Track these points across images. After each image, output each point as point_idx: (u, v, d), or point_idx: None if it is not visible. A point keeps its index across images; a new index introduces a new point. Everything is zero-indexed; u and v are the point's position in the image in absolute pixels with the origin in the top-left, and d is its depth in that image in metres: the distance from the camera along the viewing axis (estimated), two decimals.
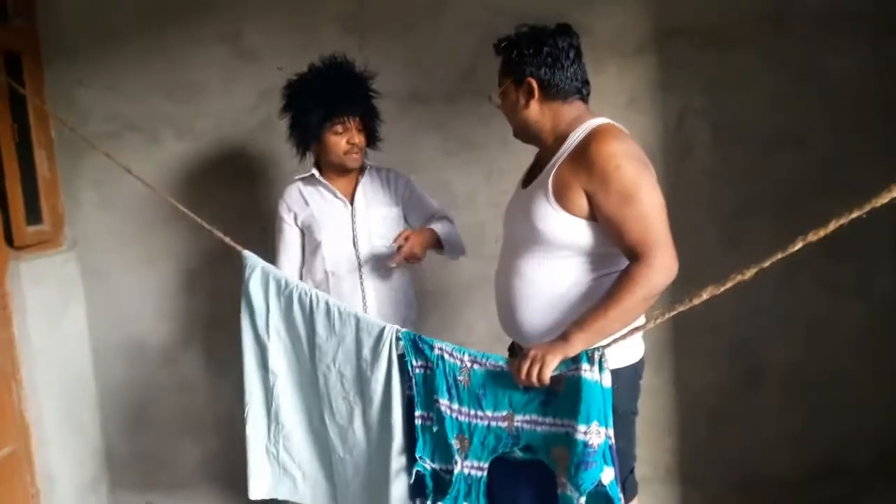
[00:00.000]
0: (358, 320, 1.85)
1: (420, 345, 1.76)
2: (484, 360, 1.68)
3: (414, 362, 1.77)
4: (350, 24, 2.69)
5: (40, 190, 2.89)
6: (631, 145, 1.63)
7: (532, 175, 1.78)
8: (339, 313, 1.88)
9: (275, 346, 2.00)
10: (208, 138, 2.88)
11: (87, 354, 3.09)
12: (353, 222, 2.27)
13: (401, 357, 1.79)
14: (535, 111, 1.71)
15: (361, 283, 2.26)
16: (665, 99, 2.54)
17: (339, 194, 2.28)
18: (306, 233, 2.32)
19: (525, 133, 1.78)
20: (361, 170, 2.32)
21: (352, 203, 2.28)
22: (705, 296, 1.48)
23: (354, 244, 2.26)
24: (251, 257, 2.04)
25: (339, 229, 2.26)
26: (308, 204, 2.30)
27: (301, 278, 2.33)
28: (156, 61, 2.87)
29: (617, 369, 1.61)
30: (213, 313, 2.98)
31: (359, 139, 2.22)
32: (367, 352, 1.83)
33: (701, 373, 2.68)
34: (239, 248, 2.06)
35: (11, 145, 2.71)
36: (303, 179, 2.33)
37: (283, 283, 1.98)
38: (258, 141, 2.84)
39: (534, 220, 1.66)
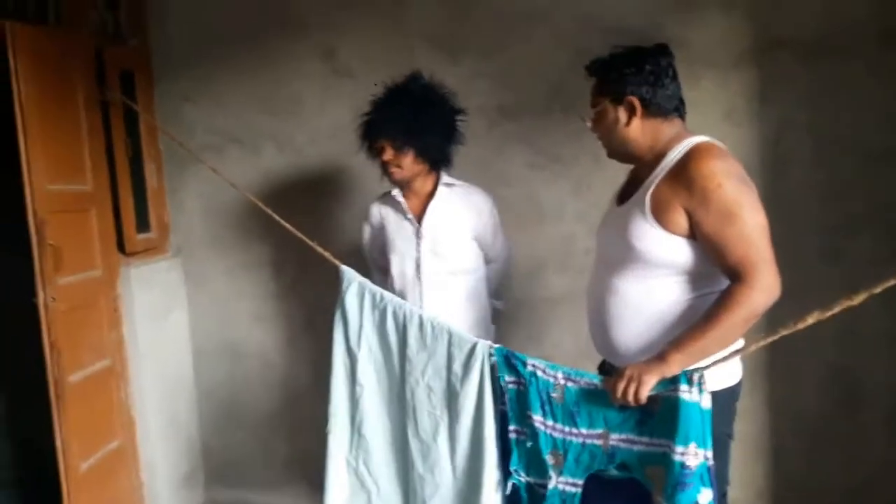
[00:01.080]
0: (451, 335, 1.86)
1: (513, 361, 1.75)
2: (578, 378, 1.66)
3: (507, 378, 1.76)
4: (442, 42, 2.72)
5: (149, 200, 3.05)
6: (732, 163, 1.59)
7: (627, 193, 1.75)
8: (432, 327, 1.89)
9: (364, 359, 2.03)
10: (307, 152, 2.97)
11: (188, 356, 3.23)
12: (417, 245, 2.25)
13: (492, 372, 1.79)
14: (636, 129, 1.69)
15: (421, 307, 2.19)
16: (764, 112, 2.45)
17: (409, 214, 2.27)
18: (384, 250, 2.34)
19: (623, 152, 1.75)
20: (435, 188, 2.29)
21: (419, 223, 2.26)
22: (810, 320, 1.42)
23: (418, 266, 2.24)
24: (348, 272, 2.08)
25: (406, 251, 2.26)
26: (384, 222, 2.33)
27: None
28: (256, 78, 2.99)
29: (714, 392, 1.56)
30: (306, 319, 3.07)
31: (390, 156, 2.20)
32: (457, 366, 1.84)
33: (797, 395, 2.56)
34: (337, 262, 2.10)
35: (125, 159, 2.88)
36: (384, 197, 2.36)
37: (378, 296, 2.01)
38: (355, 155, 2.88)
39: (630, 238, 1.64)
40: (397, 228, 2.29)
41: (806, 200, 2.45)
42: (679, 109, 1.71)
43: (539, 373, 1.71)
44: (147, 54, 3.08)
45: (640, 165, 1.74)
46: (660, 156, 1.67)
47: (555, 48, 2.59)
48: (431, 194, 2.28)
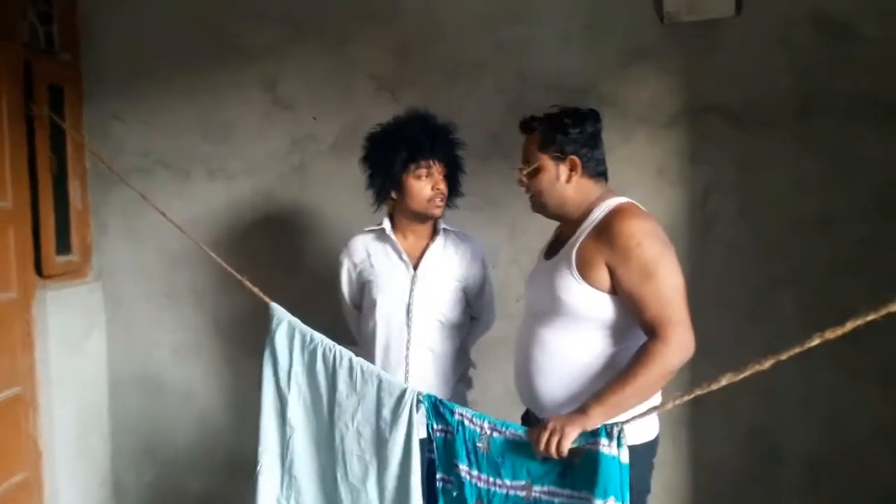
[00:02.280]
0: (380, 380, 1.93)
1: (441, 409, 1.83)
2: (503, 429, 1.75)
3: (434, 426, 1.85)
4: (385, 81, 2.82)
5: (72, 221, 3.02)
6: (653, 224, 1.74)
7: (554, 248, 1.89)
8: (362, 371, 1.96)
9: (294, 399, 2.07)
10: (240, 180, 3.01)
11: (104, 385, 3.19)
12: (411, 290, 2.18)
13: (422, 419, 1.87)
14: (573, 187, 1.82)
15: (407, 358, 2.17)
16: (693, 171, 2.62)
17: (405, 256, 2.20)
18: (365, 288, 2.25)
19: (555, 209, 1.87)
20: (434, 232, 2.25)
21: (415, 269, 2.20)
22: (724, 381, 1.54)
23: (408, 313, 2.18)
24: (278, 310, 2.12)
25: (396, 294, 2.18)
26: (371, 260, 2.24)
27: (356, 332, 2.36)
28: (192, 100, 3.02)
29: (633, 446, 1.67)
30: (229, 354, 3.09)
31: (441, 184, 2.15)
32: (387, 412, 1.90)
33: (716, 450, 2.70)
34: (267, 299, 2.14)
35: (48, 177, 2.86)
36: (372, 232, 2.27)
37: (308, 337, 2.06)
38: (289, 187, 2.96)
39: (557, 291, 1.76)
40: (388, 269, 2.21)
41: (732, 259, 2.62)
42: (606, 172, 1.87)
43: (466, 422, 1.80)
44: (78, 69, 3.07)
45: (566, 223, 1.88)
46: (585, 214, 1.81)
47: (495, 98, 2.73)
48: (429, 237, 2.24)
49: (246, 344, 2.96)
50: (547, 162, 1.83)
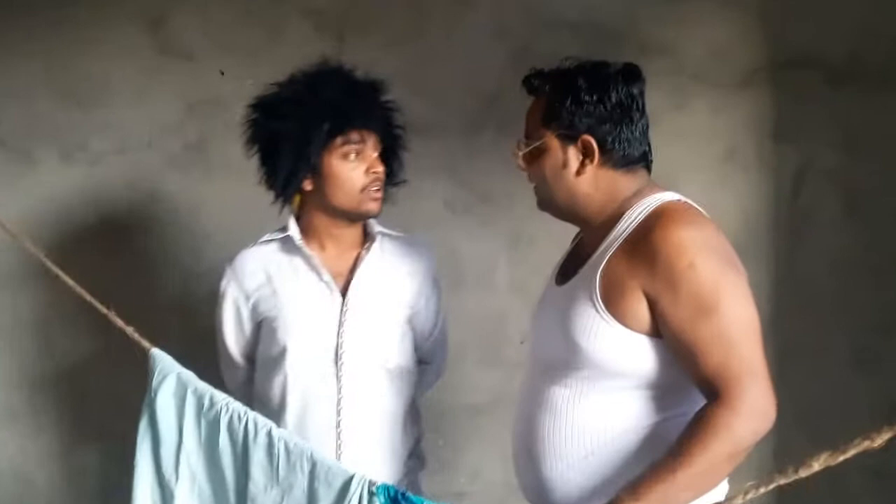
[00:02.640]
0: (314, 464, 1.92)
1: None
2: None
3: None
4: (328, 22, 2.84)
5: None
6: (710, 233, 1.74)
7: (571, 268, 1.89)
8: (287, 451, 1.94)
9: (185, 492, 2.05)
10: (108, 164, 3.01)
11: None
12: (340, 324, 2.20)
13: None
14: (589, 180, 1.83)
15: (338, 427, 2.19)
16: (778, 153, 2.66)
17: (326, 275, 2.20)
18: (264, 328, 2.25)
19: (566, 206, 1.88)
20: (366, 238, 2.27)
21: (344, 293, 2.22)
22: (817, 465, 1.56)
23: (337, 358, 2.19)
24: (162, 359, 2.10)
25: (317, 332, 2.19)
26: (274, 284, 2.23)
27: (250, 399, 2.30)
28: (38, 45, 3.01)
29: None
30: (87, 421, 3.08)
31: (381, 168, 2.18)
32: None
33: None
34: (145, 342, 2.11)
35: None
36: (272, 243, 2.28)
37: (206, 400, 2.04)
38: (182, 174, 2.98)
39: (573, 332, 1.76)
40: (302, 296, 2.22)
41: (834, 280, 2.65)
42: (646, 157, 1.87)
43: None
44: None
45: (588, 230, 1.90)
46: (614, 218, 1.81)
47: (491, 43, 2.75)
48: (359, 245, 2.28)
49: (110, 408, 2.95)
50: (552, 141, 1.83)
